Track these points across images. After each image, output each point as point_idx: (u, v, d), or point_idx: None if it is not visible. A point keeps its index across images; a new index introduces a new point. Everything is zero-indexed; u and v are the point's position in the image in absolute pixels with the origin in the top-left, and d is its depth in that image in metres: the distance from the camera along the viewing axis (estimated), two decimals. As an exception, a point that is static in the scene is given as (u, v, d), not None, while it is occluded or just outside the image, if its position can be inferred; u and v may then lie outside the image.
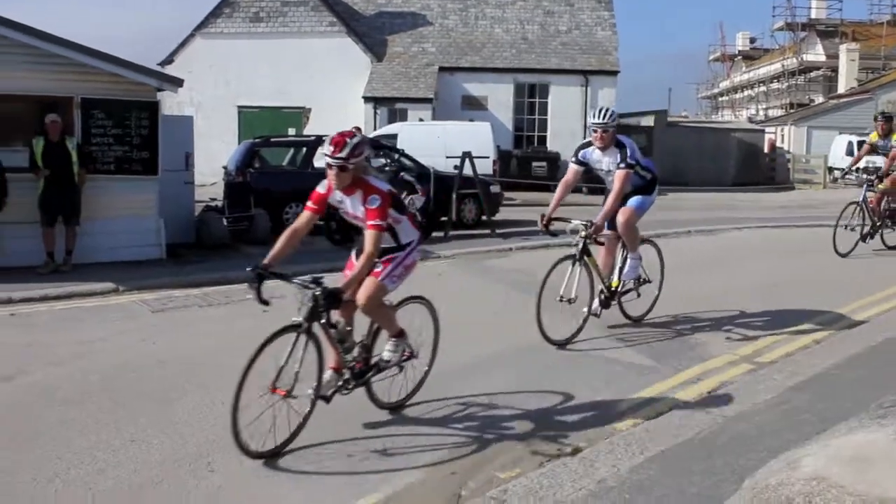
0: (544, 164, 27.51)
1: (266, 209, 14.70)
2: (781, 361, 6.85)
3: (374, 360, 5.59)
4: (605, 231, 7.81)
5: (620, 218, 7.83)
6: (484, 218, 16.01)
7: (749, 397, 5.81)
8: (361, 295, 5.36)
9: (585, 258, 7.62)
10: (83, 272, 10.82)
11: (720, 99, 65.49)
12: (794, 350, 7.26)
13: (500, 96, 29.30)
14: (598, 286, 7.90)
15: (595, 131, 7.80)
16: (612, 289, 8.01)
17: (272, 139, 18.47)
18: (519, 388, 6.35)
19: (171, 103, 24.45)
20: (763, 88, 53.26)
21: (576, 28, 30.83)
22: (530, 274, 11.40)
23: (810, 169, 34.36)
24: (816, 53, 48.49)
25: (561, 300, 7.38)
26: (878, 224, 12.40)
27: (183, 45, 29.54)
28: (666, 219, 18.81)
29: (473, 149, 15.86)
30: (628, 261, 8.04)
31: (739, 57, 63.04)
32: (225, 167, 16.37)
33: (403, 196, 14.17)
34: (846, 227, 12.00)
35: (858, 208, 12.18)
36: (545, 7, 31.37)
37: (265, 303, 5.24)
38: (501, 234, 15.18)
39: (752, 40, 62.10)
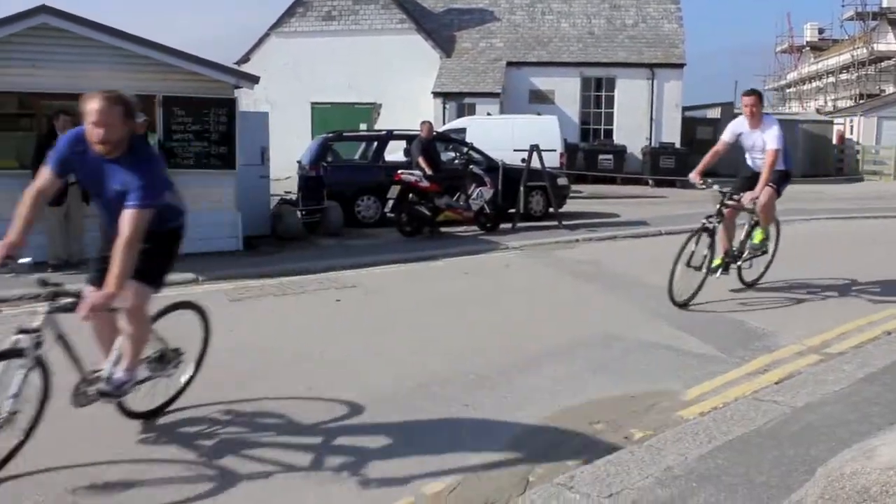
0: (611, 157, 27.40)
1: (339, 202, 15.01)
2: (851, 352, 6.76)
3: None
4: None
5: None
6: (551, 210, 16.05)
7: (818, 388, 5.77)
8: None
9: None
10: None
11: (788, 91, 63.81)
12: (865, 341, 7.16)
13: (566, 90, 29.21)
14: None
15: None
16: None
17: (344, 134, 18.78)
18: (585, 378, 6.42)
19: (247, 101, 25.06)
20: (832, 79, 51.73)
21: (642, 21, 30.53)
22: (596, 264, 11.48)
23: (880, 160, 33.39)
24: (888, 43, 46.86)
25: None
26: None
27: (259, 44, 30.25)
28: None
29: (540, 142, 15.88)
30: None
31: (807, 48, 61.34)
32: (299, 161, 16.73)
33: (472, 188, 14.54)
34: None
35: None
36: (611, 1, 31.20)
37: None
38: (568, 225, 15.19)
39: (821, 31, 60.29)
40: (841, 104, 46.78)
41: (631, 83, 29.11)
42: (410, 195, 14.17)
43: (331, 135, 17.57)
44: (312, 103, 29.77)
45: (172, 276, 10.23)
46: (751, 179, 8.80)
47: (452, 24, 30.98)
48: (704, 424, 5.22)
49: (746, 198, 8.48)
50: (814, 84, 56.78)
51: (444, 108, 27.74)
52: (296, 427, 5.41)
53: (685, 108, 31.28)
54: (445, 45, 29.82)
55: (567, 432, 5.32)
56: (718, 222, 8.57)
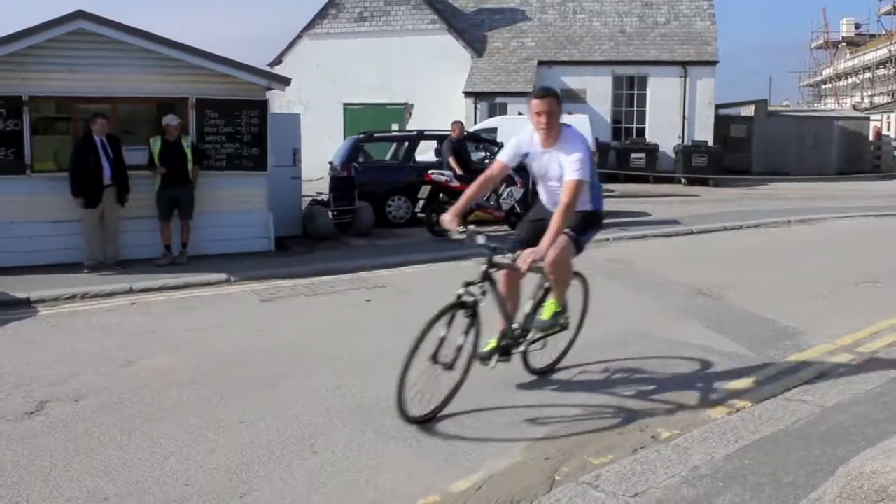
0: (643, 155, 27.26)
1: (370, 202, 15.09)
2: (883, 351, 6.71)
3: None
4: None
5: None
6: (582, 210, 15.96)
7: (848, 387, 5.72)
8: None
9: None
10: (197, 264, 11.38)
11: (823, 87, 62.91)
12: (896, 340, 7.10)
13: (598, 89, 29.04)
14: None
15: None
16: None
17: (376, 134, 18.87)
18: (613, 377, 6.43)
19: (280, 102, 25.29)
20: (868, 75, 50.92)
21: (674, 19, 30.28)
22: (627, 263, 11.45)
23: (917, 157, 32.97)
24: (926, 37, 46.16)
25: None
26: None
27: (291, 45, 30.47)
28: (766, 208, 18.44)
29: (572, 141, 15.83)
30: None
31: (843, 43, 60.37)
32: (331, 162, 16.85)
33: (503, 187, 14.54)
34: None
35: None
36: (643, -1, 31.03)
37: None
38: (599, 225, 15.11)
39: (857, 26, 59.32)
40: (878, 100, 46.08)
41: (663, 81, 28.88)
42: (441, 195, 14.21)
43: (362, 135, 17.66)
44: (345, 104, 29.92)
45: (204, 276, 10.52)
46: (542, 224, 5.64)
47: (483, 24, 30.96)
48: (732, 424, 5.21)
49: (524, 258, 5.31)
50: (850, 80, 55.98)
51: (476, 107, 27.73)
52: (324, 425, 5.46)
53: (718, 106, 31.01)
54: (477, 45, 29.81)
55: (594, 431, 5.33)
56: (483, 293, 5.55)
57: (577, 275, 6.21)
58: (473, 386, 5.64)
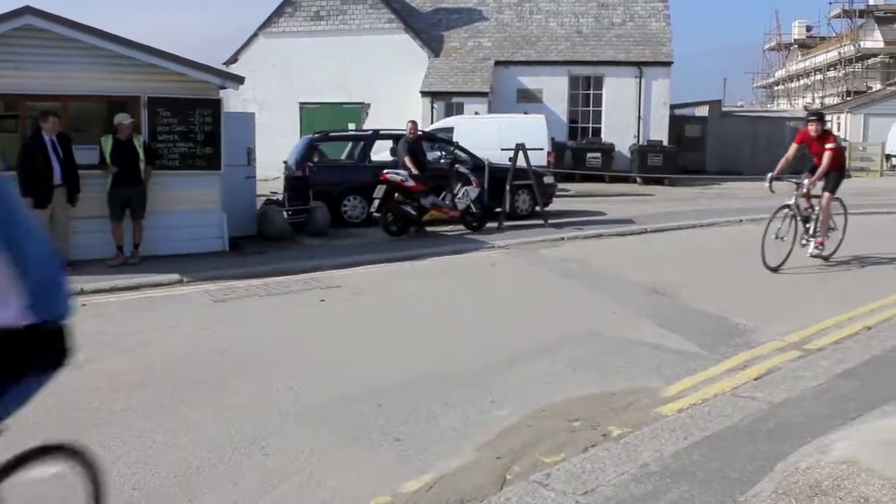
0: (598, 155, 27.46)
1: (325, 202, 15.02)
2: (830, 348, 6.83)
3: None
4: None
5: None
6: (537, 209, 16.09)
7: (796, 384, 5.82)
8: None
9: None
10: (150, 264, 11.23)
11: (776, 88, 64.16)
12: (843, 337, 7.23)
13: (555, 89, 29.22)
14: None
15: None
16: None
17: (331, 134, 18.78)
18: (565, 375, 6.46)
19: (236, 101, 25.03)
20: (819, 77, 52.05)
21: (630, 20, 30.60)
22: (582, 263, 11.53)
23: (867, 157, 33.64)
24: (875, 40, 47.24)
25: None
26: None
27: (247, 44, 30.17)
28: (719, 207, 18.72)
29: (528, 141, 15.93)
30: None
31: (795, 45, 61.63)
32: (285, 162, 16.73)
33: (458, 187, 14.56)
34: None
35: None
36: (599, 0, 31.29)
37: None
38: (554, 224, 15.25)
39: (809, 28, 60.59)
40: (829, 101, 47.11)
41: (619, 81, 29.14)
42: (396, 195, 14.19)
43: (317, 135, 17.57)
44: (301, 103, 29.71)
45: (156, 277, 10.39)
46: None
47: (441, 24, 30.98)
48: (682, 421, 5.27)
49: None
50: (802, 81, 57.14)
51: (433, 107, 27.73)
52: (275, 426, 5.42)
53: (673, 107, 31.41)
54: (434, 45, 29.81)
55: (545, 430, 5.35)
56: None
57: None
58: (429, 384, 5.64)
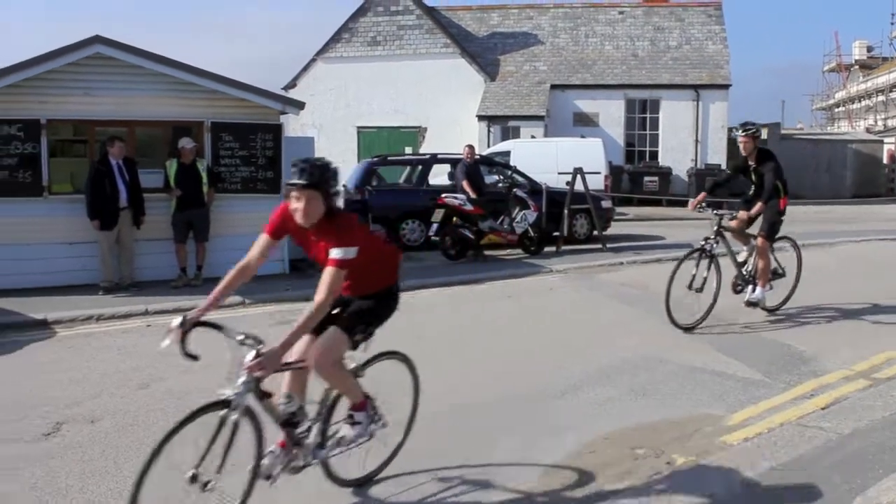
0: (656, 178, 27.29)
1: (384, 225, 15.16)
2: (900, 378, 6.67)
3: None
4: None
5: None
6: (595, 233, 16.01)
7: (865, 414, 5.68)
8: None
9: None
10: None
11: (836, 110, 62.87)
12: (915, 367, 7.04)
13: (611, 112, 29.17)
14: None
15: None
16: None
17: (389, 158, 18.95)
18: (627, 402, 6.40)
19: (294, 125, 25.45)
20: (882, 98, 50.93)
21: (686, 43, 30.44)
22: (640, 287, 11.41)
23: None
24: (939, 59, 46.18)
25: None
26: None
27: (305, 69, 30.70)
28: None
29: (585, 165, 15.88)
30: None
31: (856, 66, 60.43)
32: (344, 185, 16.90)
33: (516, 211, 14.56)
34: None
35: None
36: (655, 23, 31.17)
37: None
38: (612, 248, 15.14)
39: (870, 49, 59.33)
40: (891, 123, 46.04)
41: (676, 105, 28.98)
42: (454, 218, 14.24)
43: (375, 159, 17.77)
44: (358, 127, 30.13)
45: (219, 299, 10.50)
46: None
47: (496, 48, 31.17)
48: (748, 450, 5.18)
49: None
50: (863, 103, 55.96)
51: (489, 131, 27.86)
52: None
53: (731, 129, 31.01)
54: (489, 69, 30.00)
55: (608, 457, 5.29)
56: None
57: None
58: (490, 408, 5.58)
